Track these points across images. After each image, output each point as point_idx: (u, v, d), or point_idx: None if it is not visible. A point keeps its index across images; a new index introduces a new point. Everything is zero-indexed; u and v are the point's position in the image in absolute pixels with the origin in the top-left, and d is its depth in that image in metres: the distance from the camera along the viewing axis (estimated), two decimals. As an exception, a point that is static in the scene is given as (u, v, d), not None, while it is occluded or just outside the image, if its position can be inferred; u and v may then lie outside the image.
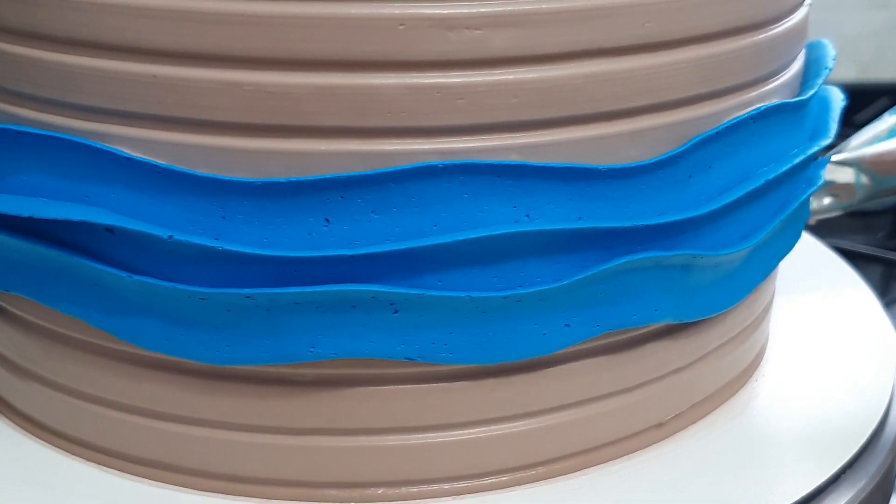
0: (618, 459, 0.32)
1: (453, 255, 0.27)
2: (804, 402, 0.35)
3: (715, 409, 0.35)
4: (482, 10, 0.26)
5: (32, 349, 0.32)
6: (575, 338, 0.29)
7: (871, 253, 0.54)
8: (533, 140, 0.27)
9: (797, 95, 0.34)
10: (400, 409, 0.29)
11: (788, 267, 0.37)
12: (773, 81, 0.32)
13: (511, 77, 0.27)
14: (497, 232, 0.27)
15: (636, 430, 0.32)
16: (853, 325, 0.39)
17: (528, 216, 0.28)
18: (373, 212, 0.27)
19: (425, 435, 0.30)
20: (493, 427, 0.30)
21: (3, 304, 0.32)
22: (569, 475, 0.31)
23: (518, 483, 0.31)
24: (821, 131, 0.35)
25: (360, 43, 0.26)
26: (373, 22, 0.26)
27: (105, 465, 0.31)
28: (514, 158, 0.27)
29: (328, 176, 0.26)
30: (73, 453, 0.32)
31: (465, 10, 0.26)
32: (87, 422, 0.31)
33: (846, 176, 0.39)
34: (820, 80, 0.34)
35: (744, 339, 0.35)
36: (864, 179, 0.40)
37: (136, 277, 0.27)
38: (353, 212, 0.27)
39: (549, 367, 0.30)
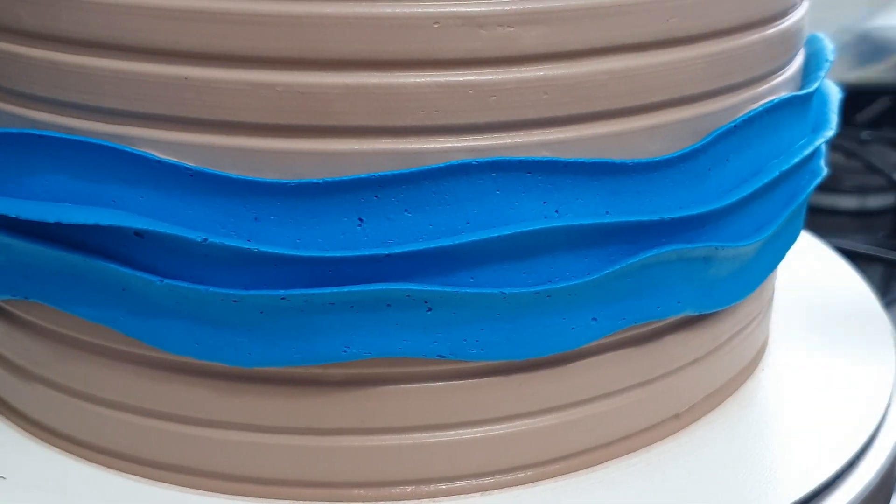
0: (638, 451, 0.32)
1: (485, 251, 0.27)
2: (804, 402, 0.35)
3: (727, 398, 0.35)
4: (514, 7, 0.26)
5: (45, 354, 0.31)
6: (602, 331, 0.29)
7: (871, 253, 0.54)
8: (561, 136, 0.28)
9: (800, 88, 0.34)
10: (429, 407, 0.29)
11: (789, 267, 0.37)
12: (781, 75, 0.33)
13: (541, 74, 0.27)
14: (528, 228, 0.27)
15: (656, 422, 0.32)
16: (853, 325, 0.39)
17: (557, 212, 0.28)
18: (406, 210, 0.27)
19: (454, 432, 0.30)
20: (519, 423, 0.30)
21: (12, 309, 0.32)
22: (592, 468, 0.31)
23: (543, 478, 0.31)
24: (822, 123, 0.35)
25: (393, 42, 0.26)
26: (408, 21, 0.26)
27: (125, 472, 0.31)
28: (544, 154, 0.27)
29: (362, 175, 0.26)
30: (90, 459, 0.31)
31: (498, 8, 0.26)
32: (107, 427, 0.31)
33: None
34: (822, 73, 0.35)
35: (752, 330, 0.36)
36: None
37: (167, 281, 0.27)
38: (386, 211, 0.27)
39: (575, 361, 0.30)
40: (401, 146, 0.27)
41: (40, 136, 0.28)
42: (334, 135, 0.26)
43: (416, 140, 0.27)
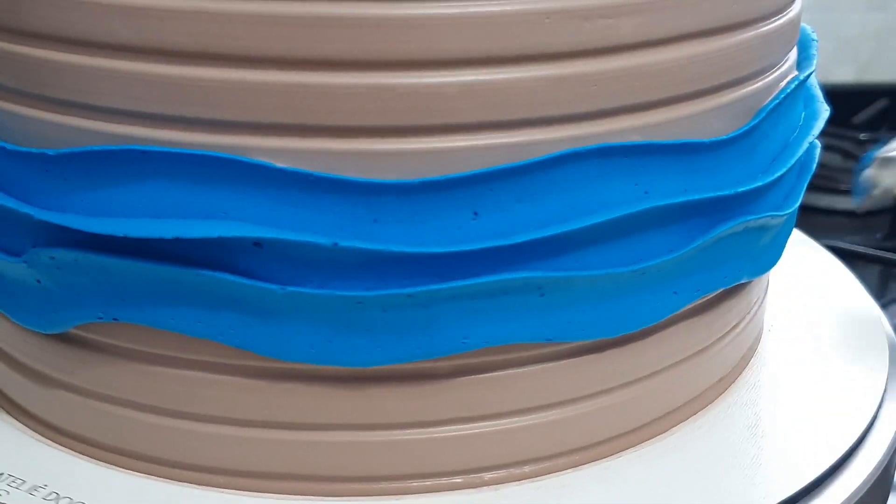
0: (696, 415, 0.34)
1: (590, 235, 0.29)
2: (800, 400, 0.36)
3: (736, 380, 0.37)
4: (614, 0, 0.27)
5: (119, 375, 0.31)
6: (681, 303, 0.31)
7: (868, 253, 0.53)
8: (649, 120, 0.29)
9: (798, 67, 0.37)
10: (529, 390, 0.30)
11: (786, 267, 0.37)
12: (793, 54, 0.35)
13: (634, 62, 0.28)
14: (626, 211, 0.29)
15: (709, 385, 0.34)
16: (849, 326, 0.40)
17: (646, 192, 0.29)
18: (518, 201, 0.28)
19: (548, 413, 0.31)
20: (607, 397, 0.31)
21: (83, 334, 0.31)
22: (664, 434, 0.33)
23: (626, 447, 0.32)
24: (810, 99, 0.38)
25: (507, 38, 0.27)
26: (521, 17, 0.27)
27: (229, 487, 0.30)
28: (636, 139, 0.29)
29: (477, 171, 0.27)
30: (177, 479, 0.31)
31: (600, 1, 0.27)
32: (199, 442, 0.30)
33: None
34: (813, 51, 0.38)
35: (762, 299, 0.38)
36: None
37: (289, 289, 0.27)
38: (500, 203, 0.28)
39: (655, 333, 0.32)
40: (512, 139, 0.27)
41: (142, 152, 0.27)
42: (449, 132, 0.27)
43: (525, 132, 0.28)
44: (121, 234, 0.27)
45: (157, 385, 0.30)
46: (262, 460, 0.30)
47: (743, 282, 0.34)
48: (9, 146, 0.29)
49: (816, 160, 0.37)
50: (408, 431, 0.30)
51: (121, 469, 0.31)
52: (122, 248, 0.28)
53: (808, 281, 0.43)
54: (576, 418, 0.31)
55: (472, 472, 0.31)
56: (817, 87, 0.39)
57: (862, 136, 0.72)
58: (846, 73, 0.68)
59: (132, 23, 0.27)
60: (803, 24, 0.39)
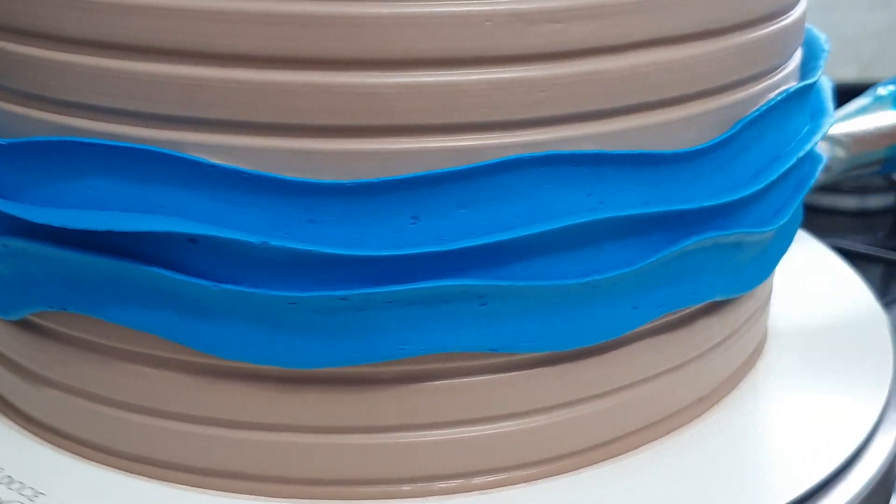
0: (670, 434, 0.33)
1: (536, 245, 0.28)
2: (802, 402, 0.35)
3: (739, 382, 0.36)
4: (563, 3, 0.27)
5: (75, 363, 0.31)
6: (641, 319, 0.30)
7: (871, 253, 0.53)
8: (605, 129, 0.28)
9: (800, 78, 0.36)
10: (478, 401, 0.30)
11: (788, 266, 0.37)
12: (789, 65, 0.34)
13: (587, 68, 0.27)
14: (576, 221, 0.28)
15: (684, 405, 0.33)
16: (852, 325, 0.39)
17: (601, 203, 0.28)
18: (459, 207, 0.27)
19: (501, 424, 0.30)
20: (563, 412, 0.31)
21: (38, 321, 0.31)
22: (631, 453, 0.32)
23: (587, 464, 0.31)
24: (820, 111, 0.36)
25: (449, 40, 0.26)
26: (462, 19, 0.26)
27: (168, 480, 0.30)
28: (589, 147, 0.28)
29: (419, 174, 0.27)
30: (127, 469, 0.31)
31: (547, 5, 0.26)
32: (146, 435, 0.30)
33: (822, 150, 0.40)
34: (821, 62, 0.36)
35: (759, 315, 0.37)
36: (841, 153, 0.42)
37: (223, 286, 0.27)
38: (440, 208, 0.27)
39: (615, 349, 0.31)
40: (454, 143, 0.27)
41: (83, 144, 0.27)
42: (390, 134, 0.27)
43: (469, 137, 0.27)
44: (59, 225, 0.27)
45: (108, 376, 0.30)
46: (205, 456, 0.30)
47: (719, 299, 0.32)
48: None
49: (817, 174, 0.35)
50: (351, 436, 0.29)
51: (72, 455, 0.32)
52: (65, 239, 0.28)
53: (811, 281, 0.42)
54: (530, 431, 0.30)
55: (421, 481, 0.30)
56: (829, 98, 0.37)
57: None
58: (848, 72, 0.66)
59: (75, 15, 0.27)
60: (818, 34, 0.38)
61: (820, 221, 0.43)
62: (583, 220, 0.28)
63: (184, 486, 0.30)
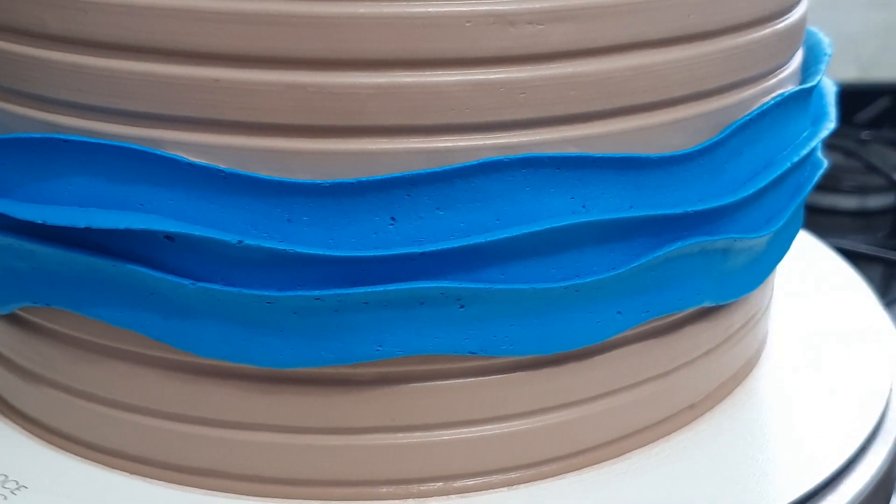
0: (657, 441, 0.33)
1: (515, 248, 0.28)
2: (803, 401, 0.35)
3: (735, 388, 0.36)
4: (543, 5, 0.26)
5: (63, 359, 0.31)
6: (626, 324, 0.30)
7: (871, 253, 0.54)
8: (587, 132, 0.28)
9: (801, 82, 0.35)
10: (458, 404, 0.29)
11: (789, 267, 0.37)
12: (787, 69, 0.33)
13: (568, 70, 0.27)
14: (556, 224, 0.28)
15: (673, 412, 0.33)
16: (853, 325, 0.39)
17: (584, 207, 0.28)
18: (438, 208, 0.27)
19: (482, 428, 0.30)
20: (545, 417, 0.30)
21: (26, 316, 0.31)
22: (614, 459, 0.32)
23: (567, 471, 0.31)
24: (822, 116, 0.36)
25: (426, 41, 0.26)
26: (440, 20, 0.26)
27: (150, 476, 0.31)
28: (571, 150, 0.28)
29: (395, 175, 0.26)
30: (112, 466, 0.31)
31: (527, 6, 0.26)
32: (131, 432, 0.30)
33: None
34: (822, 66, 0.35)
35: (757, 321, 0.36)
36: None
37: (200, 284, 0.27)
38: (419, 210, 0.27)
39: (599, 354, 0.30)
40: (433, 145, 0.27)
41: (64, 140, 0.27)
42: (367, 135, 0.26)
43: (447, 138, 0.27)
44: (38, 221, 0.27)
45: (91, 372, 0.30)
46: (184, 454, 0.30)
47: (709, 306, 0.32)
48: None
49: (816, 179, 0.35)
50: (329, 437, 0.29)
51: (56, 448, 0.32)
52: (46, 235, 0.28)
53: (811, 280, 0.42)
54: (511, 435, 0.30)
55: (400, 483, 0.30)
56: (832, 102, 0.37)
57: (864, 134, 0.71)
58: (848, 72, 0.66)
59: (57, 13, 0.27)
60: (821, 37, 0.37)
61: (820, 221, 0.43)
62: (564, 224, 0.28)
63: (162, 483, 0.30)
